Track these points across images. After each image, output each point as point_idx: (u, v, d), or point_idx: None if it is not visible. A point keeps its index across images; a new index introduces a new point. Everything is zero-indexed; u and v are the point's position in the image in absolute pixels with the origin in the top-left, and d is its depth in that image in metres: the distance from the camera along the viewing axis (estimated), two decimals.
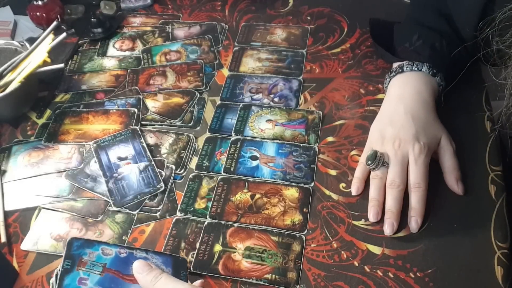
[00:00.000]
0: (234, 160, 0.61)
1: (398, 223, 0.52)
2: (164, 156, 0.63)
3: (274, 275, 0.50)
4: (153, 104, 0.69)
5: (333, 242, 0.52)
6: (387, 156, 0.56)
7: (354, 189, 0.56)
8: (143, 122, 0.67)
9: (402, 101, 0.59)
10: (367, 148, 0.59)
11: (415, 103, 0.59)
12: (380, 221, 0.53)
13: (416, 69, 0.62)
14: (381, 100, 0.64)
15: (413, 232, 0.52)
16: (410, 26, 0.67)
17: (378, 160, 0.55)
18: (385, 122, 0.59)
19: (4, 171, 0.63)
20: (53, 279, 0.45)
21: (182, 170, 0.61)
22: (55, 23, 0.73)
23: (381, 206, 0.54)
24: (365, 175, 0.57)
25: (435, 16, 0.64)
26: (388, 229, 0.52)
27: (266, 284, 0.49)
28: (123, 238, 0.55)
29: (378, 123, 0.61)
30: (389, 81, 0.64)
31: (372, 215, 0.53)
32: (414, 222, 0.52)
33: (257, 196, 0.57)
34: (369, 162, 0.55)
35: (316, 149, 0.61)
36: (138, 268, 0.44)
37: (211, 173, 0.60)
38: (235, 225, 0.55)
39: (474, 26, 0.56)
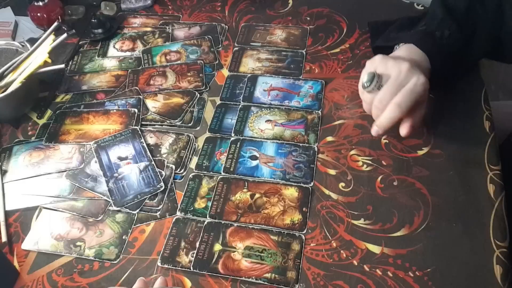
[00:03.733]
0: (234, 160, 0.61)
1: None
2: (164, 156, 0.63)
3: (273, 274, 0.50)
4: (153, 104, 0.69)
5: (333, 242, 0.53)
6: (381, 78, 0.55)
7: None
8: (143, 122, 0.67)
9: (407, 57, 0.58)
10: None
11: (417, 64, 0.57)
12: (380, 219, 0.54)
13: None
14: None
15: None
16: (429, 10, 0.66)
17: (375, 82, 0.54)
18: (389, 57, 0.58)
19: (5, 171, 0.63)
20: None
21: (182, 170, 0.61)
22: (55, 23, 0.73)
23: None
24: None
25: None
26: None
27: (265, 283, 0.50)
28: (124, 237, 0.55)
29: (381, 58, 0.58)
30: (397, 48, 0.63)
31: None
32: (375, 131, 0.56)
33: (257, 195, 0.57)
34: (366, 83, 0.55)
35: (316, 149, 0.62)
36: None
37: (211, 173, 0.61)
38: (235, 224, 0.55)
39: None
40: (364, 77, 0.56)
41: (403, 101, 0.53)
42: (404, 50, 0.61)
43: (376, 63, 0.57)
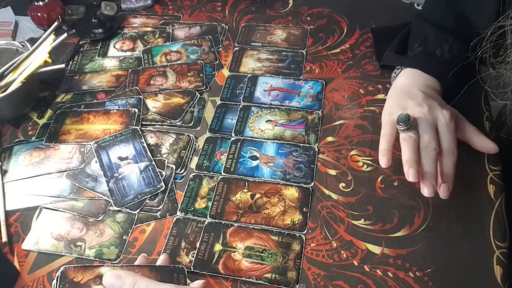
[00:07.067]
0: (234, 160, 0.61)
1: (437, 185, 0.51)
2: (164, 156, 0.63)
3: (274, 275, 0.50)
4: (154, 104, 0.69)
5: (333, 242, 0.53)
6: (415, 121, 0.54)
7: (384, 161, 0.53)
8: (143, 122, 0.67)
9: (415, 87, 0.59)
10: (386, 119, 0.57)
11: (427, 89, 0.59)
12: (380, 219, 0.54)
13: None
14: (380, 101, 0.65)
15: (443, 198, 0.50)
16: (414, 30, 0.66)
17: (411, 122, 0.52)
18: (404, 98, 0.58)
19: (6, 171, 0.63)
20: None
21: (183, 170, 0.61)
22: (56, 23, 0.73)
23: (419, 165, 0.51)
24: (391, 145, 0.55)
25: (446, 11, 0.63)
26: (428, 190, 0.50)
27: (266, 283, 0.50)
28: (124, 237, 0.55)
29: (394, 100, 0.59)
30: (400, 72, 0.63)
31: (411, 175, 0.50)
32: (447, 188, 0.50)
33: (257, 195, 0.57)
34: (401, 123, 0.52)
35: (316, 149, 0.62)
36: (109, 282, 0.40)
37: (211, 173, 0.61)
38: (235, 224, 0.55)
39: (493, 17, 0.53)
40: (398, 117, 0.54)
41: (450, 144, 0.53)
42: (409, 77, 0.61)
43: (394, 113, 0.56)
